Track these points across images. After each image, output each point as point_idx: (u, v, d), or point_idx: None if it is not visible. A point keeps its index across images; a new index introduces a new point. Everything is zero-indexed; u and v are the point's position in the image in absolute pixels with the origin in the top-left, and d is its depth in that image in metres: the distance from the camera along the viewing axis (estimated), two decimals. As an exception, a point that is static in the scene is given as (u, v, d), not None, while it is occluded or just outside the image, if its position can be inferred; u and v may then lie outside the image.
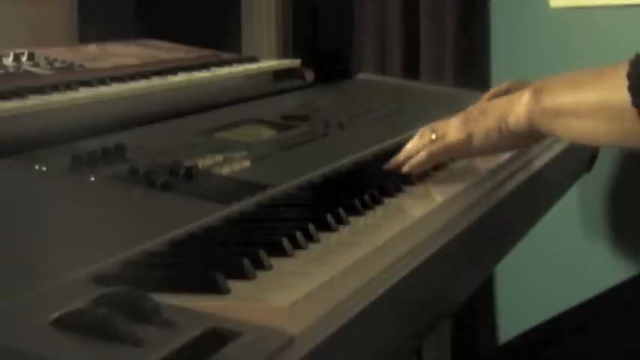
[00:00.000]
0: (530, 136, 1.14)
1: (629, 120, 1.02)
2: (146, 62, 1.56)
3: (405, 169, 1.15)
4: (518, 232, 1.30)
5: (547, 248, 2.02)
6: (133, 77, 1.41)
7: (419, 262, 0.87)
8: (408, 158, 1.16)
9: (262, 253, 0.76)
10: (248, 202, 0.97)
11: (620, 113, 1.02)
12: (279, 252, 0.79)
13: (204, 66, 1.59)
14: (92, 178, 0.97)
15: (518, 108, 1.12)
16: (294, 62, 1.74)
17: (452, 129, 1.16)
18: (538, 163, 1.32)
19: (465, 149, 1.16)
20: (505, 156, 1.27)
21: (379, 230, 0.89)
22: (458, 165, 1.23)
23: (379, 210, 0.98)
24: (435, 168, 1.19)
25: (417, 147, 1.17)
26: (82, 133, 1.12)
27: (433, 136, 1.16)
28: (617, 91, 1.02)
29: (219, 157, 1.10)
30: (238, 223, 0.92)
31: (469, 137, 1.15)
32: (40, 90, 1.24)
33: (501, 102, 1.16)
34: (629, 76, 1.00)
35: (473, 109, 1.18)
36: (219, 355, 0.60)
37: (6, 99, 1.18)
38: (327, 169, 1.16)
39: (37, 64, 1.42)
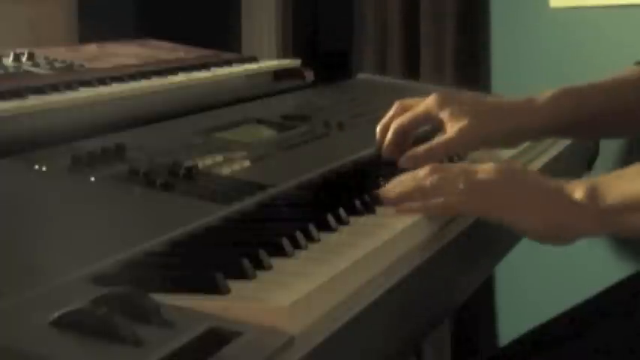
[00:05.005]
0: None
1: None
2: (146, 62, 1.56)
3: (416, 208, 0.97)
4: (518, 232, 1.29)
5: (547, 248, 2.01)
6: (133, 77, 1.41)
7: (419, 262, 0.87)
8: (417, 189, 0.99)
9: (262, 253, 0.76)
10: (248, 202, 0.97)
11: None
12: (279, 252, 0.79)
13: (204, 66, 1.58)
14: (92, 178, 0.97)
15: (572, 216, 1.01)
16: (294, 62, 1.74)
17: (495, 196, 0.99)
18: (538, 163, 1.32)
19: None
20: (505, 156, 1.27)
21: (379, 230, 0.89)
22: (457, 165, 1.23)
23: (380, 210, 0.98)
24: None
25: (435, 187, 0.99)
26: (82, 133, 1.12)
27: (461, 186, 0.98)
28: None
29: (219, 157, 1.10)
30: (238, 223, 0.92)
31: (514, 223, 1.01)
32: (40, 90, 1.24)
33: (548, 193, 1.01)
34: None
35: (517, 182, 1.00)
36: (219, 355, 0.60)
37: (6, 99, 1.18)
38: (327, 169, 1.16)
39: (37, 64, 1.42)
